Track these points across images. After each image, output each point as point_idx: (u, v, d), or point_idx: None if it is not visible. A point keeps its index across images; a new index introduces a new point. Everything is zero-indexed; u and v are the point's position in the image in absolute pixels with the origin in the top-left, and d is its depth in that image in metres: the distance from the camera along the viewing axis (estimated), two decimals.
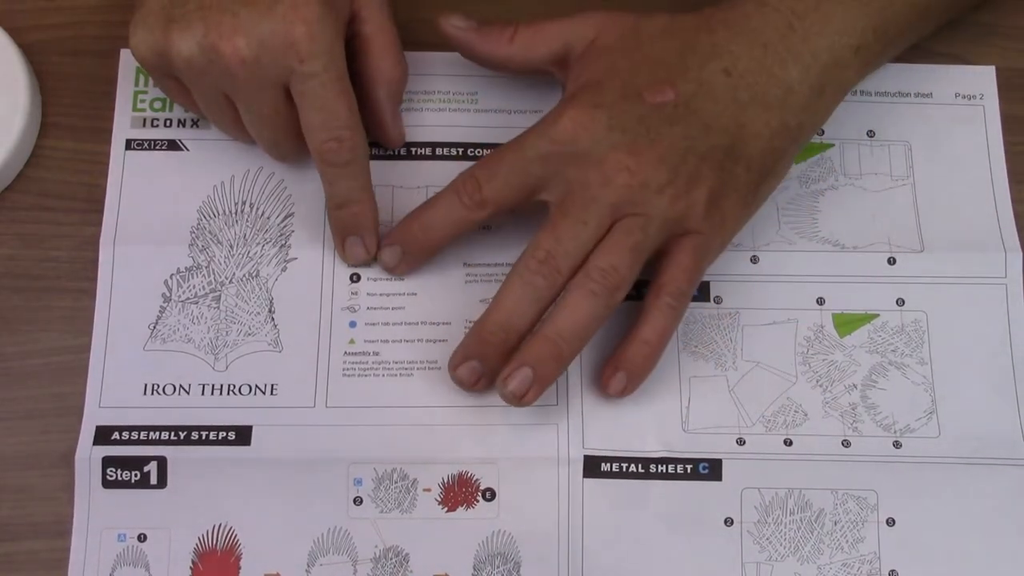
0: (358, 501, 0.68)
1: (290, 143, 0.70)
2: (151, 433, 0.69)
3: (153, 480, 0.68)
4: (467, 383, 0.67)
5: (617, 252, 0.65)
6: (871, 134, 0.76)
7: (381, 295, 0.72)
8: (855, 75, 0.70)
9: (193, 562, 0.67)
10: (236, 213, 0.73)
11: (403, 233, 0.70)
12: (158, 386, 0.70)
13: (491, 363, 0.67)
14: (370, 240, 0.71)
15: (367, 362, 0.70)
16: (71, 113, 0.75)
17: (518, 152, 0.66)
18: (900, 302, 0.73)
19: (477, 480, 0.69)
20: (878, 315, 0.73)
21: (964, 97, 0.77)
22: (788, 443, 0.70)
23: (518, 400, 0.65)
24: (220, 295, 0.71)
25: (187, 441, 0.68)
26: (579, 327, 0.65)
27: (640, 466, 0.69)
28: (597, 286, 0.65)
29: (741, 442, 0.70)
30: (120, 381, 0.70)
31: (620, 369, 0.68)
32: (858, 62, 0.69)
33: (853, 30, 0.68)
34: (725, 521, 0.69)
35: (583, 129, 0.65)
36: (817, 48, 0.67)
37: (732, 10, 0.68)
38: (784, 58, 0.67)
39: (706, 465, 0.69)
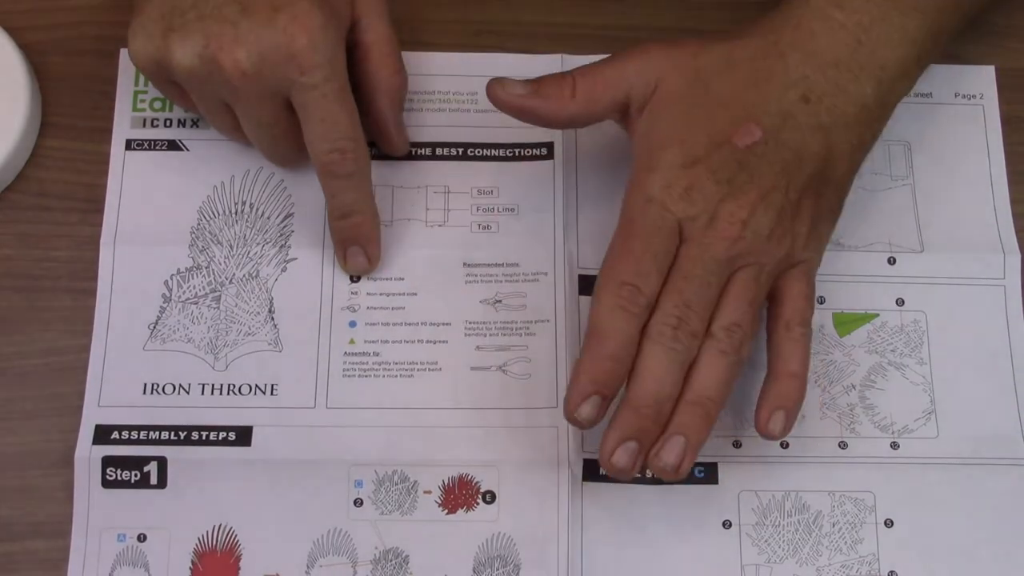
0: (358, 503, 0.68)
1: (290, 150, 0.70)
2: (151, 433, 0.69)
3: (153, 480, 0.68)
4: (627, 469, 0.63)
5: (739, 309, 0.64)
6: None
7: (381, 295, 0.72)
8: (912, 83, 0.69)
9: (193, 562, 0.67)
10: (236, 213, 0.73)
11: (598, 372, 0.63)
12: (158, 386, 0.70)
13: (647, 439, 0.63)
14: (372, 250, 0.71)
15: (367, 363, 0.71)
16: (71, 113, 0.75)
17: (642, 238, 0.64)
18: (900, 302, 0.73)
19: (477, 483, 0.69)
20: (878, 315, 0.73)
21: (964, 97, 0.77)
22: (784, 445, 0.70)
23: (675, 472, 0.62)
24: (220, 295, 0.71)
25: (187, 441, 0.69)
26: (720, 385, 0.63)
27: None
28: (726, 345, 0.63)
29: (737, 445, 0.70)
30: (120, 381, 0.70)
31: (777, 408, 0.64)
32: (918, 71, 0.69)
33: (915, 40, 0.67)
34: (723, 524, 0.69)
35: (695, 191, 0.63)
36: (885, 61, 0.66)
37: (797, 30, 0.66)
38: (857, 75, 0.66)
39: (702, 469, 0.70)
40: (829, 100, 0.65)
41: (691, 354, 0.63)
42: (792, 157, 0.65)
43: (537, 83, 0.68)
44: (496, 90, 0.68)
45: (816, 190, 0.65)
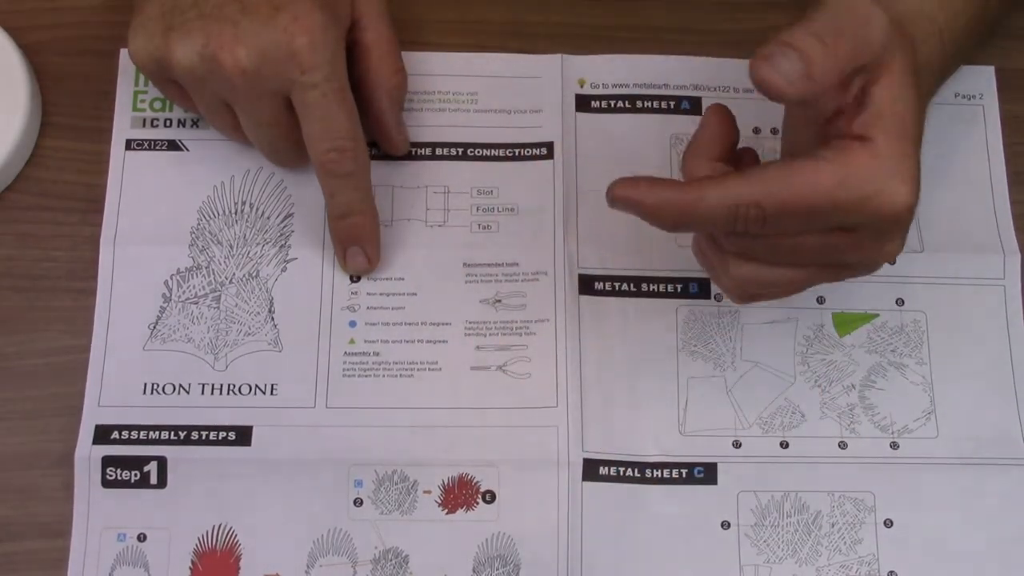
0: (358, 502, 0.68)
1: (290, 150, 0.70)
2: (151, 433, 0.69)
3: (153, 480, 0.68)
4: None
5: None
6: None
7: (381, 295, 0.72)
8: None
9: (192, 562, 0.67)
10: (236, 213, 0.73)
11: None
12: (158, 386, 0.70)
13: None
14: (372, 250, 0.71)
15: (367, 362, 0.71)
16: (71, 113, 0.75)
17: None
18: (900, 302, 0.73)
19: (477, 482, 0.69)
20: (878, 315, 0.73)
21: (964, 97, 0.77)
22: (784, 445, 0.70)
23: None
24: (220, 295, 0.71)
25: (187, 441, 0.69)
26: None
27: (636, 470, 0.69)
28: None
29: (737, 445, 0.70)
30: (120, 381, 0.70)
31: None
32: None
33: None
34: (722, 524, 0.69)
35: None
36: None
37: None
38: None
39: (701, 469, 0.70)
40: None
41: None
42: None
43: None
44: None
45: None
